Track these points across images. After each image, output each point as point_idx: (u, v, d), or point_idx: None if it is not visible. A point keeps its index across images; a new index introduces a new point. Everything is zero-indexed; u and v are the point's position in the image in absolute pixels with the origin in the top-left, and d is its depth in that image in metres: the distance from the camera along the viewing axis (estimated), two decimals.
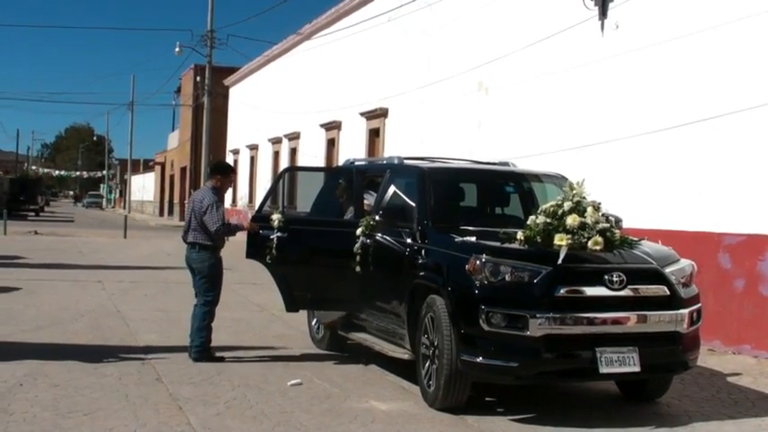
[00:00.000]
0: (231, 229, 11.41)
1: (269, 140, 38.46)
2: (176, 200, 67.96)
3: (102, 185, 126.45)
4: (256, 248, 11.12)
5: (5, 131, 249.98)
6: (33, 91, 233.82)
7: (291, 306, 11.29)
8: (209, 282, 11.11)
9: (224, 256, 11.41)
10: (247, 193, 42.92)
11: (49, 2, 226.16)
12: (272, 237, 10.94)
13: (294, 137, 34.89)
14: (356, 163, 12.50)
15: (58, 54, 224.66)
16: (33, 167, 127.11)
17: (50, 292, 17.03)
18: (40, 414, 8.15)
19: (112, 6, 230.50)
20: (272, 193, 12.61)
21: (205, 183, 11.84)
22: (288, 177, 11.85)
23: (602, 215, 8.94)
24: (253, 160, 42.02)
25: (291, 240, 10.97)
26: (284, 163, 35.81)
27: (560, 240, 8.57)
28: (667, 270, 8.85)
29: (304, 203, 11.74)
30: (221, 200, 11.31)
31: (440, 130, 21.69)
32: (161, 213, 76.60)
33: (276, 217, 11.01)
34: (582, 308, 8.41)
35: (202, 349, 10.97)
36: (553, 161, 15.33)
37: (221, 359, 11.02)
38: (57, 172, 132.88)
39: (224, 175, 11.59)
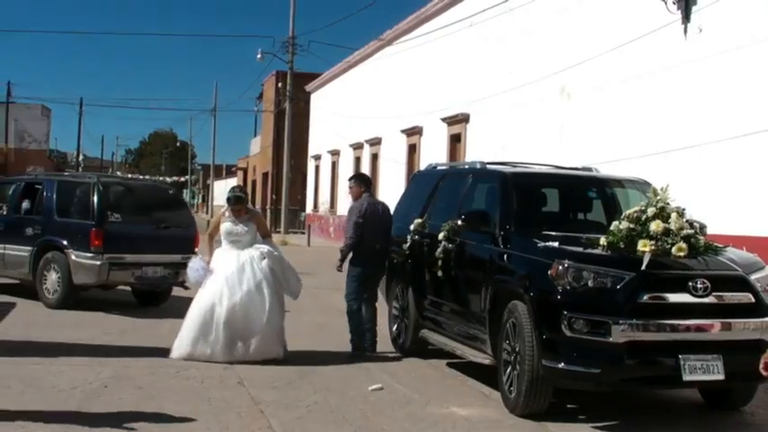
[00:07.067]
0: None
1: (350, 146, 38.64)
2: (258, 205, 68.50)
3: (185, 190, 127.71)
4: None
5: (90, 137, 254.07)
6: (118, 98, 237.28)
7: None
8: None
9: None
10: (329, 199, 43.14)
11: (134, 11, 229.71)
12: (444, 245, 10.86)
13: (375, 142, 35.01)
14: (438, 168, 12.50)
15: (142, 61, 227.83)
16: (118, 173, 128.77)
17: (134, 297, 17.19)
18: (124, 416, 8.27)
19: (195, 15, 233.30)
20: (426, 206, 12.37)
21: (362, 195, 11.93)
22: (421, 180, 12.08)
23: (687, 221, 8.84)
24: (334, 165, 42.23)
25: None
26: (365, 168, 35.78)
27: (644, 246, 8.49)
28: (752, 277, 8.72)
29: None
30: None
31: (521, 135, 21.61)
32: None
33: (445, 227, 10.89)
34: (665, 314, 8.33)
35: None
36: (636, 166, 15.15)
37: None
38: (141, 177, 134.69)
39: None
